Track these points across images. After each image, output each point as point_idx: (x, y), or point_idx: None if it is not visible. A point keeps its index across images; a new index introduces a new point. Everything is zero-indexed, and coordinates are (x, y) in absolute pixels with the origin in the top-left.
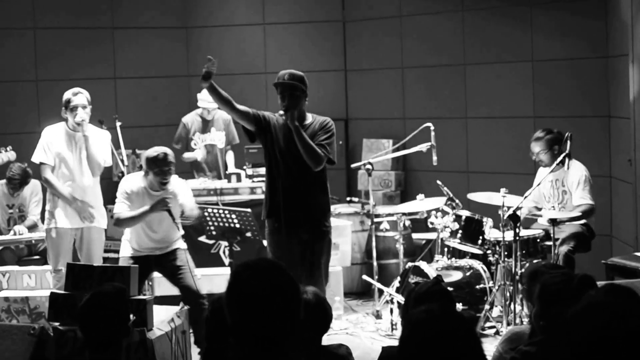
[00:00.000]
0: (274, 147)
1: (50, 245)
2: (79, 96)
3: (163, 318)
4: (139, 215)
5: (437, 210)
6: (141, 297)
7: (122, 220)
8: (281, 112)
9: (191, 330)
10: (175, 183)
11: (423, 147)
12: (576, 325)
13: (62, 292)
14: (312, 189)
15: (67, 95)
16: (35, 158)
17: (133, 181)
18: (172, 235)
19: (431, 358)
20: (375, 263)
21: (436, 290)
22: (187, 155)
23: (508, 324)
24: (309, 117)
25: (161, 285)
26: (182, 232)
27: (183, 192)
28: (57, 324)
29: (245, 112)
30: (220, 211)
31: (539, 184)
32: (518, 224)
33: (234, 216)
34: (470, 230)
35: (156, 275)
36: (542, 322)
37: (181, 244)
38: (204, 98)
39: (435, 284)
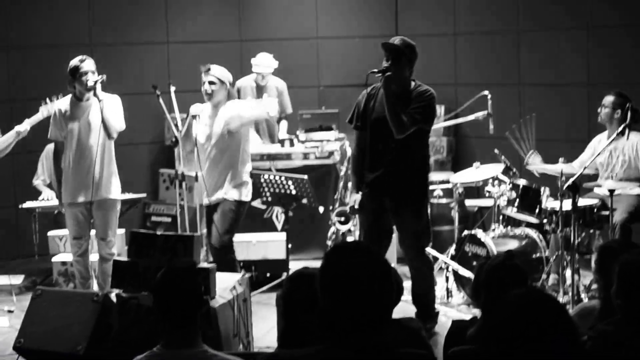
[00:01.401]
0: (366, 119)
1: (66, 216)
2: (87, 62)
3: (224, 286)
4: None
5: (493, 178)
6: (204, 265)
7: None
8: (375, 70)
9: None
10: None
11: (480, 115)
12: None
13: (125, 259)
14: (399, 157)
15: (74, 62)
16: (48, 133)
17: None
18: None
19: (526, 343)
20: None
21: (508, 265)
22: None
23: (564, 293)
24: (412, 85)
25: None
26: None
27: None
28: (120, 291)
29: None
30: (277, 177)
31: (598, 154)
32: (577, 194)
33: (290, 182)
34: (528, 199)
35: None
36: (619, 301)
37: (232, 195)
38: (259, 63)
39: (507, 259)
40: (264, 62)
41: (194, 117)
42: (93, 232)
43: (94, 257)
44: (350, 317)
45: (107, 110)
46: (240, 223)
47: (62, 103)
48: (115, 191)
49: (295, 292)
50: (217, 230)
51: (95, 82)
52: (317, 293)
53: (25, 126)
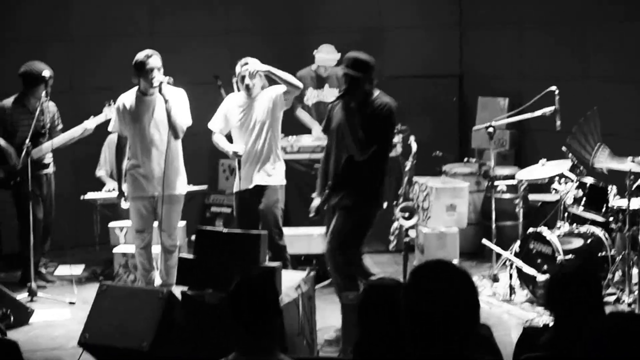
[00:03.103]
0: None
1: (130, 209)
2: (153, 58)
3: (290, 284)
4: None
5: (559, 176)
6: (270, 265)
7: None
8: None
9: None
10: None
11: (547, 111)
12: None
13: (190, 257)
14: (348, 166)
15: (140, 57)
16: (109, 126)
17: None
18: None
19: None
20: (493, 225)
21: (582, 273)
22: (301, 116)
23: (630, 292)
24: (372, 97)
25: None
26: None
27: None
28: (185, 288)
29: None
30: None
31: None
32: None
33: None
34: (594, 197)
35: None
36: None
37: (278, 179)
38: (323, 57)
39: (581, 267)
40: (328, 56)
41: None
42: (155, 224)
43: (156, 248)
44: (435, 335)
45: (174, 111)
46: None
47: (127, 97)
48: (180, 186)
49: (370, 303)
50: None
51: (161, 83)
52: (392, 304)
53: (92, 124)
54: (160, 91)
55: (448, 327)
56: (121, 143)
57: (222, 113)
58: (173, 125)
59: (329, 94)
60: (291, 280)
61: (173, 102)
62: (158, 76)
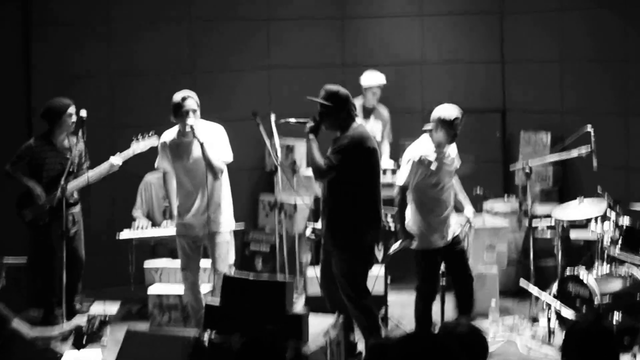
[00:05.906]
0: None
1: (177, 247)
2: (188, 100)
3: (318, 330)
4: None
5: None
6: (297, 312)
7: None
8: (293, 120)
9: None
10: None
11: (582, 151)
12: None
13: (217, 304)
14: (328, 202)
15: (177, 99)
16: (156, 162)
17: None
18: None
19: None
20: (532, 265)
21: (597, 328)
22: None
23: None
24: (347, 130)
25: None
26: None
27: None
28: (212, 333)
29: None
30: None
31: None
32: None
33: (389, 218)
34: (631, 239)
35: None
36: None
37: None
38: (371, 78)
39: (596, 323)
40: (375, 77)
41: None
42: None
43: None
44: None
45: (209, 153)
46: None
47: (170, 135)
48: (224, 224)
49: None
50: None
51: (192, 127)
52: None
53: (118, 161)
54: (194, 135)
55: None
56: (165, 179)
57: None
58: (210, 167)
59: (374, 127)
60: (319, 327)
61: (209, 144)
62: (190, 120)
